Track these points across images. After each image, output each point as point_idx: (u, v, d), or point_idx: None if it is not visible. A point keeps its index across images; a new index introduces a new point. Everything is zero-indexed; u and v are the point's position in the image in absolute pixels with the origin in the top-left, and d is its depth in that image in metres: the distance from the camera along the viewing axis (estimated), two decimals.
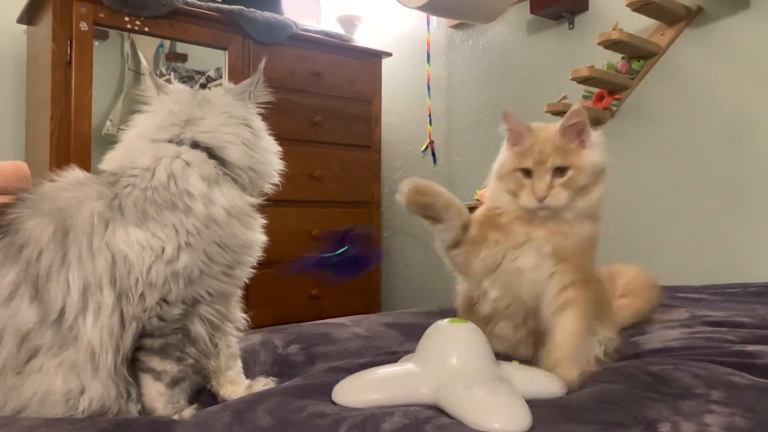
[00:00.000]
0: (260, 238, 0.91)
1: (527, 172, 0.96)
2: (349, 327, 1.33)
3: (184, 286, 0.83)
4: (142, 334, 0.83)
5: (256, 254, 0.90)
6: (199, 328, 0.87)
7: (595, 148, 0.96)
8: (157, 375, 0.85)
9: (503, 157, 1.02)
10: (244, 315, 0.99)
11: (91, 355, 0.80)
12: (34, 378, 0.79)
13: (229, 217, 0.85)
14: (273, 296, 2.37)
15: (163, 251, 0.81)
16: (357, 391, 0.81)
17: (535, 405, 0.76)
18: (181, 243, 0.81)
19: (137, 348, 0.84)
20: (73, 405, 0.80)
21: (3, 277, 0.79)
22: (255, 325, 1.02)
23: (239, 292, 0.96)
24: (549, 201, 0.93)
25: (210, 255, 0.83)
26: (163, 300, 0.82)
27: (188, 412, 0.86)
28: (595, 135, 0.97)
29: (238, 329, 0.97)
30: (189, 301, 0.84)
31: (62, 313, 0.78)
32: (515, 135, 0.99)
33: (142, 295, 0.81)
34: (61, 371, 0.79)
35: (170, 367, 0.85)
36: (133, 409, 0.86)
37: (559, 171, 0.94)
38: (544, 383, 0.85)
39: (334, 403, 0.80)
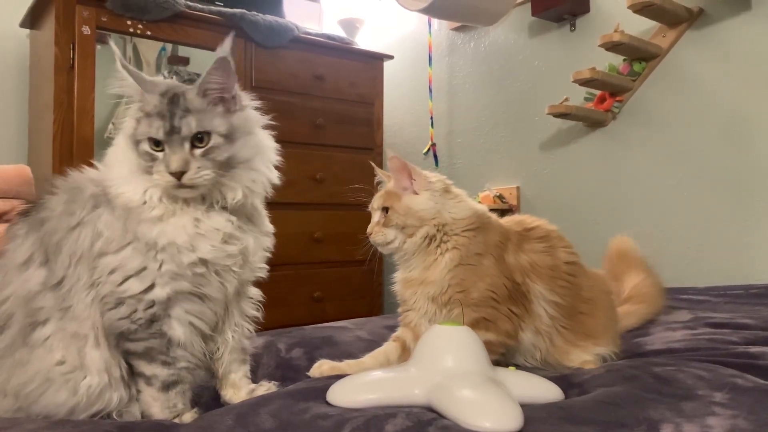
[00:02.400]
0: (176, 237, 0.83)
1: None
2: (351, 330, 1.34)
3: (124, 280, 0.82)
4: (125, 338, 0.84)
5: (187, 257, 0.83)
6: (177, 332, 0.85)
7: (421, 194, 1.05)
8: (148, 380, 0.85)
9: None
10: (246, 324, 0.98)
11: (90, 328, 0.83)
12: (38, 352, 0.82)
13: (127, 208, 0.84)
14: (275, 299, 2.34)
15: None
16: (352, 391, 0.81)
17: (536, 406, 0.76)
18: (114, 234, 0.84)
19: (127, 352, 0.85)
20: (74, 387, 0.82)
21: (23, 244, 0.87)
22: (257, 327, 1.02)
23: (249, 296, 0.97)
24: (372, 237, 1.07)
25: (136, 249, 0.83)
26: (117, 296, 0.83)
27: (188, 416, 0.86)
28: (424, 181, 1.05)
29: (238, 334, 0.96)
30: (147, 301, 0.83)
31: (62, 280, 0.84)
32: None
33: (100, 283, 0.83)
34: (63, 344, 0.82)
35: (158, 371, 0.85)
36: (136, 411, 0.86)
37: (384, 210, 1.07)
38: (541, 388, 0.85)
39: (329, 404, 0.80)
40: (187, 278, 0.84)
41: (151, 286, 0.83)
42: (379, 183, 1.16)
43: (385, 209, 1.06)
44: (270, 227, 0.98)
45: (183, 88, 0.86)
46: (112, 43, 0.90)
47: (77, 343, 0.83)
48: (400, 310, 1.09)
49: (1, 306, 0.85)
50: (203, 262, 0.84)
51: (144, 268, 0.82)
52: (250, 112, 0.92)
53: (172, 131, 0.82)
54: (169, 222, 0.84)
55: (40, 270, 0.85)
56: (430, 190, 1.05)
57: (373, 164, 1.19)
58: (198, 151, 0.83)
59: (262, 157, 0.93)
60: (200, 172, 0.82)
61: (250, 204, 0.91)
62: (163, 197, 0.85)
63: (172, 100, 0.83)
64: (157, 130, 0.82)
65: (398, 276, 1.09)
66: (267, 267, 0.98)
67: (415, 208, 1.04)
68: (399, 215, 1.04)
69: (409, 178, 1.06)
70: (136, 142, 0.84)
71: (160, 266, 0.82)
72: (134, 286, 0.82)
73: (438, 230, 1.03)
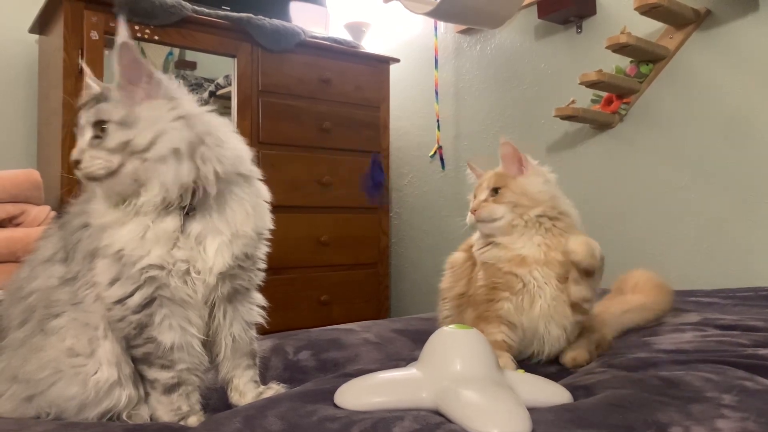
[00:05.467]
0: (124, 243, 0.81)
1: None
2: (359, 333, 1.34)
3: (109, 285, 0.83)
4: (127, 343, 0.85)
5: (139, 263, 0.81)
6: (166, 337, 0.84)
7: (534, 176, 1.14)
8: (151, 383, 0.86)
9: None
10: (248, 330, 0.96)
11: (100, 319, 0.85)
12: (51, 340, 0.84)
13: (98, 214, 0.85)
14: (282, 302, 2.37)
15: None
16: (359, 394, 0.81)
17: (543, 409, 0.76)
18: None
19: (133, 359, 0.86)
20: (84, 380, 0.83)
21: (50, 242, 0.90)
22: (264, 330, 1.02)
23: (249, 300, 0.96)
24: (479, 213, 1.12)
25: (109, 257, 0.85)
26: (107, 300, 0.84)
27: (194, 419, 0.86)
28: (534, 165, 1.15)
29: (237, 339, 0.94)
30: (128, 307, 0.83)
31: (76, 276, 0.86)
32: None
33: (95, 284, 0.85)
34: (74, 333, 0.84)
35: (158, 375, 0.85)
36: (145, 413, 0.87)
37: (495, 191, 1.13)
38: (548, 391, 0.85)
39: (337, 406, 0.80)
40: (148, 284, 0.83)
41: (128, 293, 0.83)
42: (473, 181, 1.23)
43: (495, 189, 1.12)
44: (243, 226, 0.88)
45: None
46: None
47: (88, 332, 0.84)
48: (488, 297, 1.11)
49: (27, 299, 0.87)
50: (154, 267, 0.82)
51: (120, 274, 0.83)
52: (165, 102, 0.84)
53: (78, 122, 0.84)
54: (119, 228, 0.82)
55: (60, 266, 0.87)
56: (541, 176, 1.14)
57: (469, 164, 1.26)
58: (95, 141, 0.82)
59: (169, 145, 0.82)
60: (95, 161, 0.81)
61: (202, 198, 0.85)
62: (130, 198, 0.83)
63: (98, 99, 0.84)
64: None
65: (497, 253, 1.11)
66: (253, 274, 0.94)
67: (531, 189, 1.11)
68: (513, 193, 1.11)
69: (519, 164, 1.13)
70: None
71: (128, 272, 0.82)
72: (115, 291, 0.83)
73: (556, 212, 1.10)
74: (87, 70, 0.92)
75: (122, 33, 0.82)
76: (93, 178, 0.82)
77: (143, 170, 0.81)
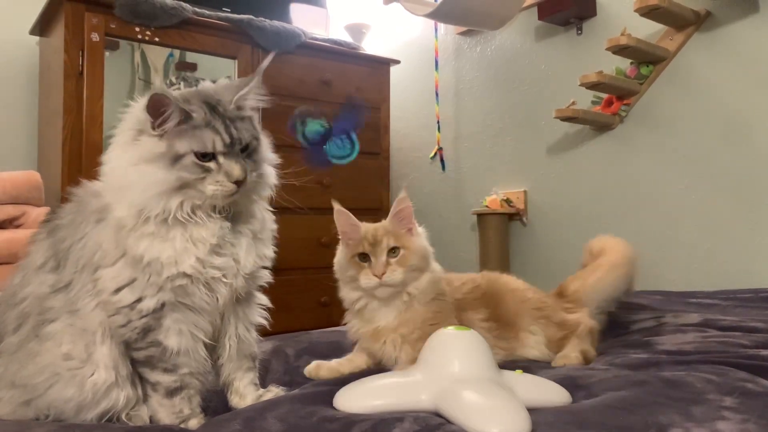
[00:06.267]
0: (161, 252, 0.83)
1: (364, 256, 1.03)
2: None
3: (117, 290, 0.83)
4: (128, 346, 0.85)
5: (167, 271, 0.82)
6: (172, 341, 0.85)
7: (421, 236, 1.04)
8: (153, 386, 0.86)
9: (339, 254, 1.13)
10: (252, 332, 0.97)
11: (98, 325, 0.85)
12: (47, 345, 0.84)
13: (121, 225, 0.83)
14: (282, 303, 2.35)
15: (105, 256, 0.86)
16: (358, 397, 0.81)
17: (543, 410, 0.76)
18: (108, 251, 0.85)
19: (133, 361, 0.86)
20: (81, 383, 0.83)
21: (41, 249, 0.90)
22: (265, 332, 1.02)
23: (256, 303, 0.97)
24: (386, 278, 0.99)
25: (127, 262, 0.83)
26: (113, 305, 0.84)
27: (194, 422, 0.86)
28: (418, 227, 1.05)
29: (240, 342, 0.95)
30: (138, 311, 0.83)
31: (69, 284, 0.86)
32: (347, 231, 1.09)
33: (99, 291, 0.85)
34: (71, 338, 0.84)
35: (161, 378, 0.86)
36: (145, 414, 0.87)
37: (392, 251, 1.01)
38: (548, 391, 0.85)
39: (336, 409, 0.80)
40: (169, 291, 0.84)
41: (141, 297, 0.83)
42: (343, 232, 1.14)
43: (393, 249, 1.01)
44: (264, 225, 0.95)
45: (214, 96, 0.86)
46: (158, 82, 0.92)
47: (85, 338, 0.85)
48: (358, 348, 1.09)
49: (20, 305, 0.88)
50: (185, 276, 0.83)
51: (134, 280, 0.83)
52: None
53: (232, 142, 0.83)
54: (159, 237, 0.83)
55: (52, 274, 0.88)
56: (423, 238, 1.06)
57: (336, 204, 1.17)
58: (248, 162, 0.86)
59: (269, 158, 0.95)
60: (253, 176, 0.87)
61: (255, 205, 0.93)
62: (198, 209, 0.84)
63: (213, 110, 0.84)
64: (214, 142, 0.82)
65: (361, 326, 1.07)
66: (267, 273, 0.96)
67: (425, 251, 1.04)
68: (414, 256, 1.00)
69: (410, 222, 1.04)
70: (175, 158, 0.81)
71: (149, 278, 0.83)
72: (126, 296, 0.84)
73: (436, 289, 1.03)
74: None
75: (265, 63, 0.92)
76: (231, 195, 0.85)
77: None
